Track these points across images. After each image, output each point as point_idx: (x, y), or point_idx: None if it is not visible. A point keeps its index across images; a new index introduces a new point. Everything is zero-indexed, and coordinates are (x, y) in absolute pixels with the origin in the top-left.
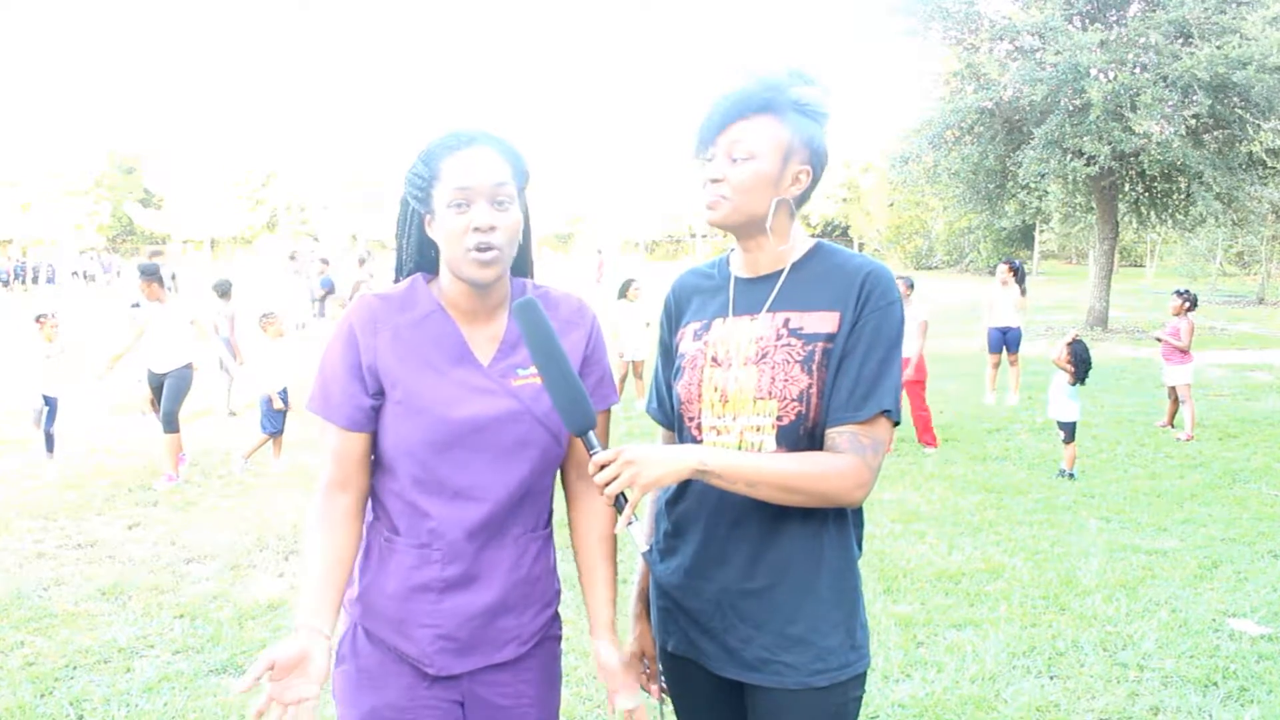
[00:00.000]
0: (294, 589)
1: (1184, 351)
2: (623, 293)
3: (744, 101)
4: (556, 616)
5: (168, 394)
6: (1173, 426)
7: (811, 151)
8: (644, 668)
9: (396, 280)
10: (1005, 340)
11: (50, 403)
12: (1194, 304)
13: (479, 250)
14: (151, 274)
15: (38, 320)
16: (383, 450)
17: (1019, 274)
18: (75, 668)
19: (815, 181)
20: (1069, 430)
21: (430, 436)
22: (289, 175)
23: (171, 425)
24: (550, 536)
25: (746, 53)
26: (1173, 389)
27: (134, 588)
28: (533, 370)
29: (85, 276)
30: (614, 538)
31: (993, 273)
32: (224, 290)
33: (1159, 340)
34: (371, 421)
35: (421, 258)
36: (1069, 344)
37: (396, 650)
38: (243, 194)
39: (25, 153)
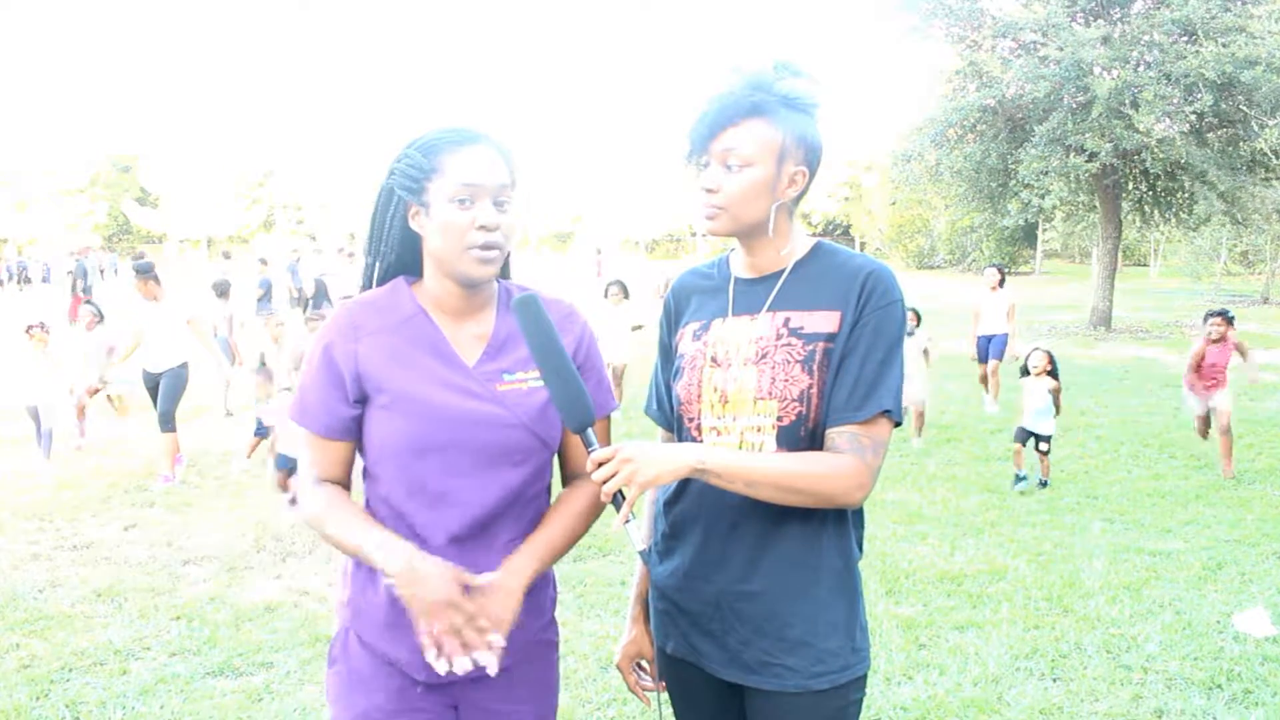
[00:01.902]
0: (291, 591)
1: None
2: (605, 294)
3: (733, 106)
4: (552, 622)
5: (163, 394)
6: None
7: (806, 149)
8: (635, 670)
9: (368, 274)
10: (990, 347)
11: (43, 411)
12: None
13: (483, 249)
14: (146, 272)
15: (28, 331)
16: (368, 455)
17: (1003, 278)
18: (71, 670)
19: (811, 178)
20: (1049, 442)
21: (412, 440)
22: (286, 174)
23: (168, 425)
24: None
25: (747, 51)
26: (1207, 415)
27: (130, 589)
28: (519, 375)
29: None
30: (587, 515)
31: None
32: (223, 290)
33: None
34: (350, 430)
35: (404, 250)
36: (1046, 353)
37: (386, 656)
38: (239, 193)
39: (21, 151)
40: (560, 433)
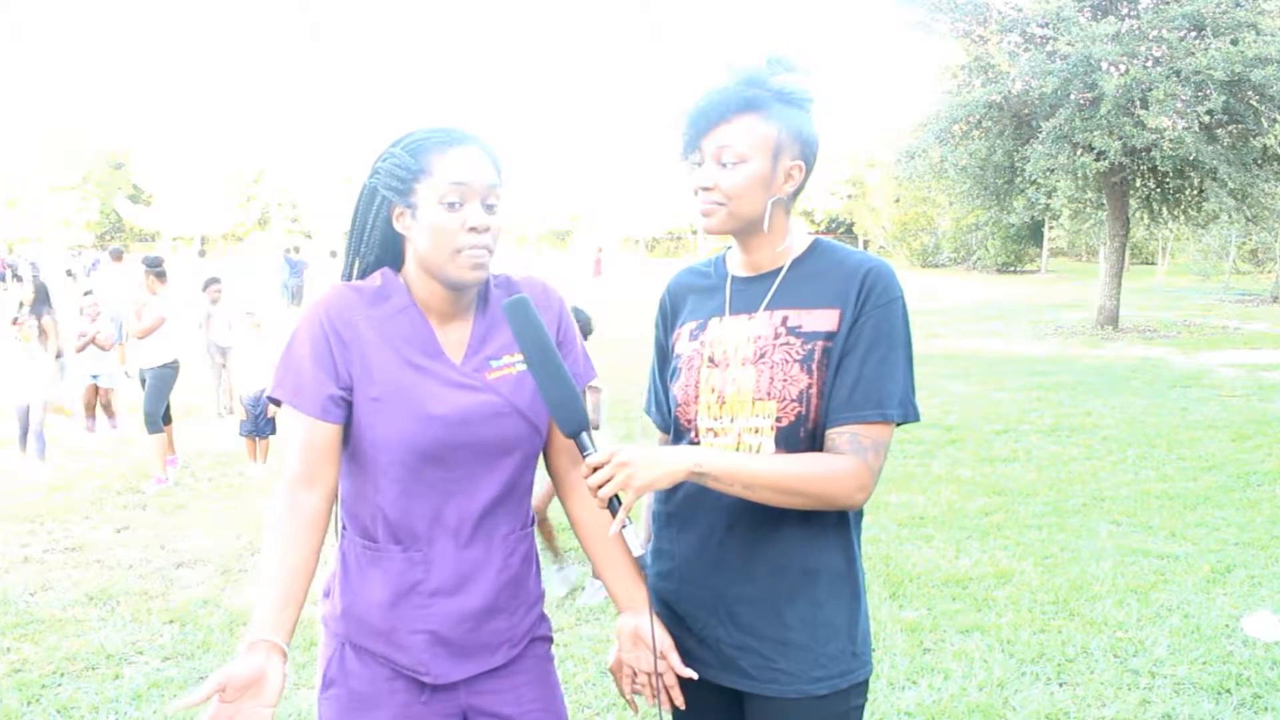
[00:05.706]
0: None
1: None
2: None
3: (726, 102)
4: (543, 617)
5: (148, 393)
6: None
7: (802, 144)
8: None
9: (346, 274)
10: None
11: (33, 408)
12: None
13: (473, 251)
14: (154, 266)
15: (14, 322)
16: (360, 450)
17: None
18: (63, 675)
19: (808, 173)
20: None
21: (412, 435)
22: (281, 172)
23: (153, 426)
24: (533, 535)
25: (747, 49)
26: None
27: (123, 593)
28: (505, 361)
29: (71, 275)
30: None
31: (1001, 270)
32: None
33: None
34: (343, 413)
35: (384, 252)
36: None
37: (390, 662)
38: (233, 190)
39: (11, 148)
40: (549, 421)
